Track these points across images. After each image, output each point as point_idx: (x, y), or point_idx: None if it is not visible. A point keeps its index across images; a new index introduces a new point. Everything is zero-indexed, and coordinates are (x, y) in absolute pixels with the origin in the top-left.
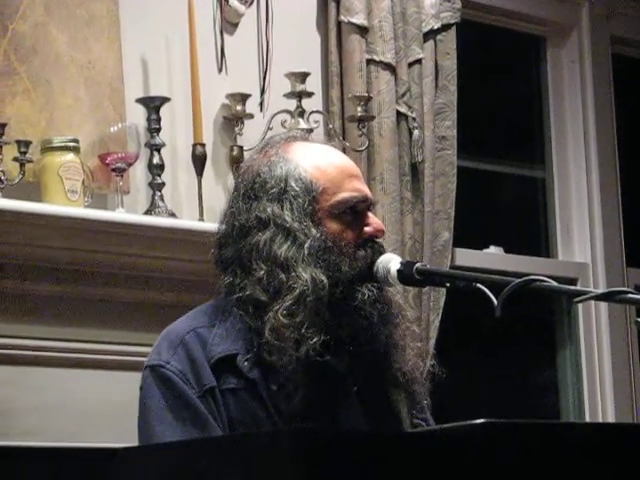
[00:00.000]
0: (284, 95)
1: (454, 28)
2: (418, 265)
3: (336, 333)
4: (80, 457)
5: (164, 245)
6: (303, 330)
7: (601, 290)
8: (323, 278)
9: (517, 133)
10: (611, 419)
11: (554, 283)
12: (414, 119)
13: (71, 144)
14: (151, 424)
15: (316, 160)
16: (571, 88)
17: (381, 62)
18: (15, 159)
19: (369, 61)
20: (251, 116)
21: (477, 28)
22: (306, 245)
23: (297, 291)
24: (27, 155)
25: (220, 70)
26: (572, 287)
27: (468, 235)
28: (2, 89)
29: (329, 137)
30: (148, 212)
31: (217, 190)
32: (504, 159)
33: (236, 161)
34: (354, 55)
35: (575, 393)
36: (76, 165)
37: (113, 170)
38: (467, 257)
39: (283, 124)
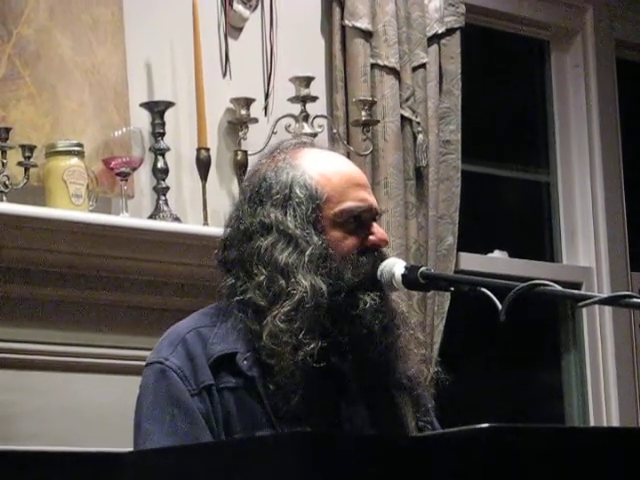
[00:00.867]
0: (288, 99)
1: (458, 32)
2: (422, 269)
3: (336, 340)
4: (84, 462)
5: (168, 249)
6: (300, 336)
7: (605, 294)
8: (323, 286)
9: (521, 137)
10: (615, 423)
11: (558, 287)
12: (418, 123)
13: (75, 148)
14: (140, 421)
15: (323, 168)
16: (575, 92)
17: (385, 66)
18: (19, 163)
19: (373, 65)
20: (255, 120)
21: (481, 32)
22: (307, 252)
23: (296, 297)
24: (31, 159)
25: (224, 74)
26: (576, 291)
27: (472, 239)
28: (6, 94)
29: (333, 141)
30: (152, 216)
31: (221, 194)
32: (508, 163)
33: (240, 165)
34: (358, 59)
35: (579, 397)
36: (80, 169)
37: (117, 174)
38: (471, 261)
39: (287, 128)
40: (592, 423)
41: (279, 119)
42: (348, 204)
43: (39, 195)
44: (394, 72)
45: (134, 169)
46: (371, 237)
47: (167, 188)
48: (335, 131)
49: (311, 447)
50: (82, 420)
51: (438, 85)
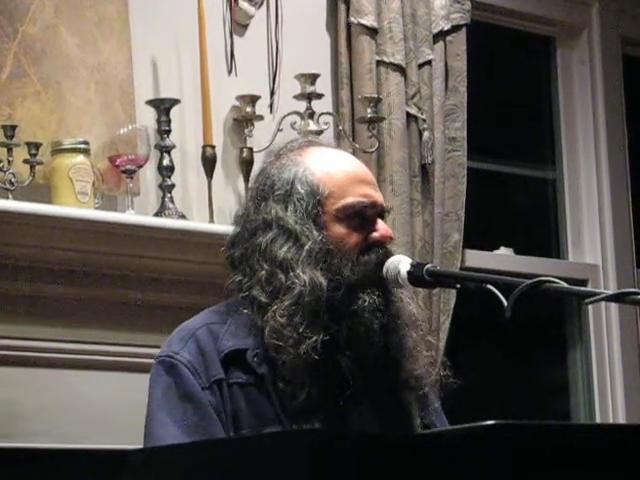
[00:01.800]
0: (294, 97)
1: (464, 29)
2: (428, 266)
3: (335, 336)
4: (90, 459)
5: (174, 247)
6: (301, 330)
7: (612, 291)
8: (322, 280)
9: (527, 134)
10: (622, 420)
11: (564, 284)
12: (424, 120)
13: (81, 146)
14: (153, 412)
15: (326, 165)
16: (581, 89)
17: (391, 63)
18: (25, 161)
19: (379, 62)
20: (261, 118)
21: (487, 29)
22: (306, 247)
23: (295, 291)
24: (37, 157)
25: (230, 72)
26: (582, 288)
27: (478, 236)
28: (12, 91)
29: (339, 139)
30: (158, 214)
31: (227, 192)
32: (514, 160)
33: (246, 163)
34: (364, 56)
35: (585, 394)
36: (86, 167)
37: (123, 172)
38: (477, 258)
39: (293, 126)
40: (598, 420)
41: (285, 116)
42: (349, 200)
43: (45, 193)
44: (400, 69)
45: (140, 166)
46: (375, 233)
47: (173, 185)
48: (341, 128)
49: (313, 445)
50: (87, 417)
51: (444, 82)
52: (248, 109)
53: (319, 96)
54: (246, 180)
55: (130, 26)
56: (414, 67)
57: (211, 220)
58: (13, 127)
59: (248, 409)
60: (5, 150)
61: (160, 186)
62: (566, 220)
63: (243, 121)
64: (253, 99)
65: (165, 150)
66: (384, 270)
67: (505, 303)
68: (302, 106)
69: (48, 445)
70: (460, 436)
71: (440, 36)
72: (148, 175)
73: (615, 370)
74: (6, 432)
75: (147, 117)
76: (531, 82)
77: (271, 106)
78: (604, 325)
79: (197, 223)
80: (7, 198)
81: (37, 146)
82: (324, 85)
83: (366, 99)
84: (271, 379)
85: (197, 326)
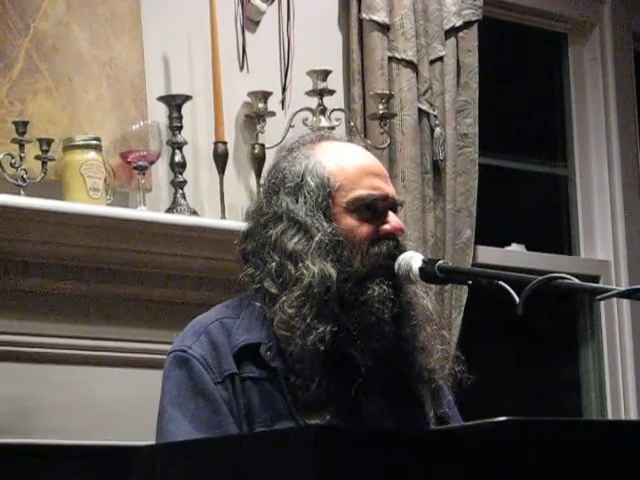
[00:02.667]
0: (305, 93)
1: (476, 25)
2: (440, 263)
3: (345, 327)
4: (104, 455)
5: (186, 243)
6: (309, 320)
7: (623, 287)
8: (332, 271)
9: (539, 130)
10: (633, 416)
11: (576, 281)
12: (436, 117)
13: (93, 142)
14: (165, 408)
15: (338, 158)
16: (593, 85)
17: (403, 60)
18: (37, 157)
19: (390, 59)
20: (273, 114)
21: (499, 25)
22: (316, 239)
23: (304, 282)
24: (49, 153)
25: (242, 68)
26: (594, 285)
27: (490, 233)
28: (24, 87)
29: (350, 135)
30: (170, 210)
31: (239, 188)
32: (526, 156)
33: (258, 159)
34: (375, 53)
35: (597, 391)
36: (98, 163)
37: (135, 168)
38: (489, 255)
39: (304, 122)
40: (610, 416)
41: (296, 112)
42: (360, 192)
43: (57, 189)
44: (411, 65)
45: (151, 163)
46: (385, 226)
47: (184, 182)
48: (352, 124)
49: (321, 442)
50: (100, 413)
51: (455, 78)
52: (260, 105)
53: (331, 92)
54: (258, 176)
55: (142, 22)
56: (426, 63)
57: (223, 216)
58: (25, 123)
59: (261, 403)
60: (17, 146)
61: (172, 182)
62: (578, 216)
63: (255, 117)
64: (265, 95)
65: (177, 146)
66: (396, 266)
67: (517, 299)
68: (314, 102)
69: (61, 441)
70: (472, 432)
71: (452, 32)
72: (160, 171)
73: (627, 366)
74: (19, 428)
75: (159, 113)
76: (543, 78)
77: (283, 102)
78: (616, 321)
79: (209, 219)
80: (19, 194)
81: (49, 142)
82: (336, 81)
83: (378, 95)
84: (284, 372)
85: (210, 321)
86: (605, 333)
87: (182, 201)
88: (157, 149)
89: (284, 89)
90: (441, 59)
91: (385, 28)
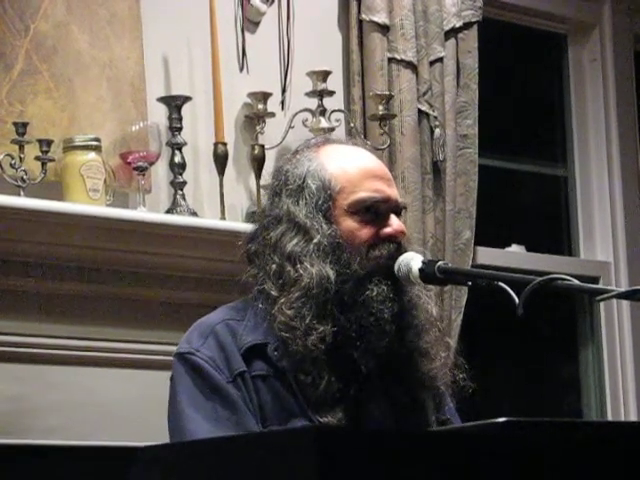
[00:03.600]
0: (305, 94)
1: (475, 26)
2: (440, 264)
3: (345, 328)
4: (102, 456)
5: (185, 244)
6: (308, 321)
7: (623, 288)
8: (330, 273)
9: (539, 131)
10: (633, 417)
11: (576, 282)
12: (435, 117)
13: (93, 143)
14: (181, 409)
15: (340, 160)
16: (593, 86)
17: (402, 60)
18: (37, 158)
19: (390, 59)
20: (272, 115)
21: (498, 26)
22: (314, 240)
23: (302, 284)
24: (49, 154)
25: (241, 69)
26: (594, 285)
27: (490, 233)
28: (24, 88)
29: (350, 136)
30: (170, 211)
31: (238, 189)
32: (526, 157)
33: (258, 160)
34: (375, 53)
35: (597, 392)
36: (98, 164)
37: (135, 169)
38: (489, 256)
39: (304, 123)
40: (609, 417)
41: (296, 113)
42: (361, 194)
43: (56, 190)
44: (411, 66)
45: (151, 164)
46: (386, 228)
47: (184, 183)
48: (352, 125)
49: (323, 440)
50: (99, 414)
51: (455, 79)
52: (260, 106)
53: (330, 93)
54: (257, 177)
55: (142, 23)
56: (425, 64)
57: (222, 217)
58: (25, 124)
59: (273, 402)
60: (17, 147)
61: (171, 183)
62: (577, 217)
63: (255, 118)
64: (265, 96)
65: (177, 147)
66: (396, 267)
67: (517, 300)
68: (314, 103)
69: (59, 442)
70: (472, 433)
71: (452, 33)
72: (160, 172)
73: (627, 367)
74: (18, 429)
75: (159, 114)
76: (543, 79)
77: (282, 103)
78: (616, 322)
79: (208, 220)
80: (19, 195)
81: (49, 143)
82: (335, 82)
83: (377, 96)
84: (292, 372)
85: (216, 322)
86: (605, 334)
87: (182, 202)
88: (157, 150)
89: (284, 90)
90: (441, 60)
91: (385, 29)
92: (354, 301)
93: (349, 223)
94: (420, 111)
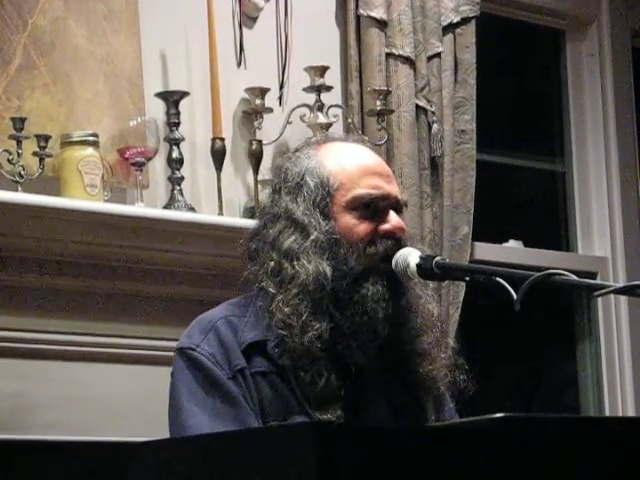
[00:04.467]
0: (303, 89)
1: (473, 22)
2: (437, 259)
3: (339, 325)
4: (101, 451)
5: (183, 239)
6: (304, 317)
7: (621, 284)
8: (327, 269)
9: (536, 127)
10: (631, 413)
11: (574, 277)
12: (433, 113)
13: (90, 138)
14: (182, 404)
15: (339, 158)
16: (591, 81)
17: (400, 56)
18: (34, 153)
19: (388, 55)
20: (270, 110)
21: (496, 21)
22: (312, 237)
23: (299, 280)
24: (46, 149)
25: (239, 64)
26: (592, 281)
27: (487, 229)
28: (22, 83)
29: (348, 131)
30: (167, 206)
31: (236, 184)
32: (523, 153)
33: (255, 155)
34: (373, 49)
35: (595, 387)
36: (95, 159)
37: (132, 164)
38: (486, 251)
39: (302, 118)
40: (607, 413)
41: (294, 109)
42: (359, 191)
43: (54, 185)
44: (409, 61)
45: (149, 159)
46: (385, 225)
47: (182, 178)
48: (350, 121)
49: (323, 437)
50: (98, 410)
51: (453, 74)
52: (257, 101)
53: (328, 89)
54: (255, 173)
55: (139, 18)
56: (423, 59)
57: (220, 213)
58: (22, 119)
59: (272, 398)
60: (14, 142)
61: (169, 179)
62: (575, 213)
63: (252, 114)
64: (262, 91)
65: (174, 143)
66: (393, 263)
67: (514, 296)
68: (311, 99)
69: (59, 437)
70: (470, 429)
71: (449, 28)
72: (157, 168)
73: (624, 362)
74: (18, 424)
75: (156, 109)
76: (540, 74)
77: (280, 98)
78: (613, 318)
79: (206, 216)
80: (16, 190)
81: (46, 138)
82: (333, 78)
83: (375, 91)
84: (292, 369)
85: (217, 318)
86: (602, 329)
87: (179, 197)
88: (154, 145)
89: (281, 85)
90: (439, 55)
91: (383, 24)
92: (350, 299)
93: (347, 219)
94: (418, 106)
